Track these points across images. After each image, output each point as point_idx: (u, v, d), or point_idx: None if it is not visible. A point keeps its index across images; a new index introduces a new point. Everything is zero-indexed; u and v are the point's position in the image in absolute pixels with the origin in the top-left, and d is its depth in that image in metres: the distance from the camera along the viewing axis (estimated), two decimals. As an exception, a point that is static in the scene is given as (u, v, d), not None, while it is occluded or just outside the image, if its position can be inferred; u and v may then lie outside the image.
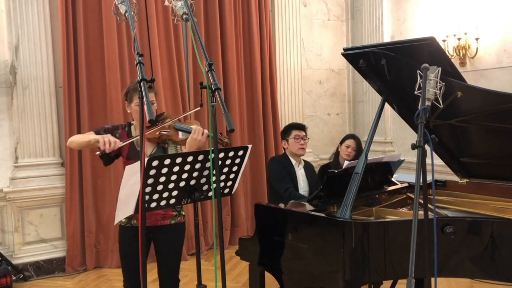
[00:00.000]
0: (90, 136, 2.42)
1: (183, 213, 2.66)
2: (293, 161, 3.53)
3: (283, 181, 3.37)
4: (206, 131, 2.43)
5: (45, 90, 4.30)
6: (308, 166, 3.65)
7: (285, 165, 3.48)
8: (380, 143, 5.54)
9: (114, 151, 2.44)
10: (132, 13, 1.89)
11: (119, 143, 2.34)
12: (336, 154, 3.98)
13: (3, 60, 4.20)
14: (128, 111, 2.59)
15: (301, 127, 3.61)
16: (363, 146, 4.17)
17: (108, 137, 2.32)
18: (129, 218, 2.51)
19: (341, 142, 3.95)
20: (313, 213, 2.41)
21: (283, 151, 3.64)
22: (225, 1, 4.97)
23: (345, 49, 2.54)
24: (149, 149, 2.55)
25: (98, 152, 2.38)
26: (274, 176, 3.45)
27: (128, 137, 2.54)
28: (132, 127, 2.60)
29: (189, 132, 2.45)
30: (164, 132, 2.50)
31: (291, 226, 2.40)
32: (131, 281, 2.55)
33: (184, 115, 2.74)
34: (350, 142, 3.90)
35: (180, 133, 2.50)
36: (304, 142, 3.52)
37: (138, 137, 2.47)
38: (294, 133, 3.52)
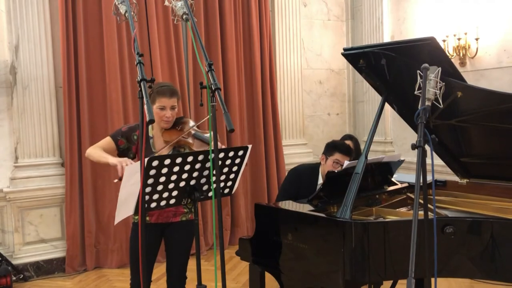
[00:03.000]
0: (108, 158, 2.41)
1: (193, 211, 2.66)
2: (320, 179, 3.24)
3: (283, 196, 3.17)
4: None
5: (45, 90, 4.30)
6: None
7: (303, 179, 3.23)
8: (380, 143, 5.54)
9: (134, 151, 2.53)
10: (132, 13, 1.89)
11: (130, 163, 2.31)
12: None
13: (3, 60, 4.20)
14: None
15: (347, 152, 3.19)
16: (361, 146, 4.17)
17: (126, 161, 2.29)
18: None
19: None
20: (313, 213, 2.41)
21: (319, 162, 3.31)
22: (225, 1, 4.97)
23: (345, 49, 2.54)
24: (164, 151, 2.55)
25: (115, 180, 2.33)
26: (282, 187, 3.34)
27: (146, 139, 2.55)
28: (150, 127, 2.60)
29: (206, 142, 2.46)
30: (183, 138, 2.50)
31: (291, 226, 2.40)
32: (139, 277, 2.57)
33: (202, 121, 2.70)
34: (347, 143, 3.88)
35: (197, 142, 2.51)
36: (340, 168, 3.15)
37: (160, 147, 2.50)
38: (337, 156, 3.13)
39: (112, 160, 2.38)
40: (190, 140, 2.51)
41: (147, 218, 2.57)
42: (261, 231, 2.59)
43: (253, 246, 2.63)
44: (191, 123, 2.61)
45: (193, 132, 2.55)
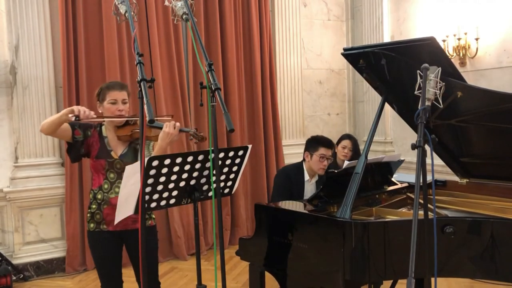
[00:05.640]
0: (61, 112, 2.33)
1: (153, 216, 2.60)
2: (306, 176, 3.33)
3: (280, 196, 3.19)
4: (178, 124, 2.35)
5: (45, 90, 4.30)
6: (322, 180, 3.41)
7: (292, 178, 3.30)
8: (380, 143, 5.54)
9: (85, 148, 2.46)
10: (132, 13, 1.89)
11: (93, 115, 2.30)
12: (334, 154, 3.96)
13: (3, 60, 4.20)
14: (100, 111, 2.52)
15: (330, 145, 3.33)
16: (360, 146, 4.18)
17: (83, 107, 2.28)
18: (98, 223, 2.47)
19: (337, 143, 3.92)
20: (313, 213, 2.41)
21: (302, 160, 3.41)
22: (225, 1, 4.97)
23: (345, 49, 2.54)
24: (119, 148, 2.50)
25: (72, 116, 2.26)
26: (275, 189, 3.36)
27: (100, 137, 2.50)
28: (103, 128, 2.54)
29: (161, 128, 2.37)
30: (136, 130, 2.44)
31: (291, 226, 2.40)
32: (110, 284, 2.54)
33: (159, 118, 2.66)
34: (346, 142, 3.89)
35: (152, 129, 2.42)
36: (327, 163, 3.29)
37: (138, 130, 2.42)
38: (322, 151, 3.25)
39: (66, 109, 2.31)
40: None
41: (103, 226, 2.47)
42: (261, 231, 2.59)
43: (253, 246, 2.62)
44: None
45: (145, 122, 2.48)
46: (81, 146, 2.50)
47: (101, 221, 2.47)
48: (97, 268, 2.57)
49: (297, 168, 3.39)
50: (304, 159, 3.38)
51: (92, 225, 2.50)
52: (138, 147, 2.50)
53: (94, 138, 2.50)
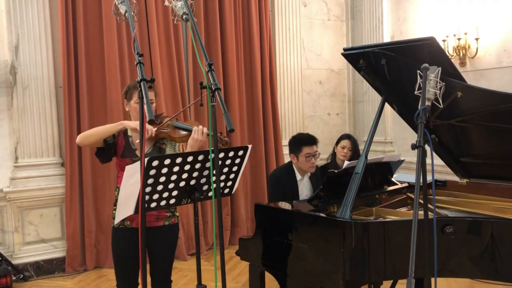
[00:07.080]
0: (115, 126, 2.40)
1: (177, 214, 2.62)
2: (298, 176, 3.30)
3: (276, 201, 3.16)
4: (206, 130, 2.40)
5: (45, 90, 4.31)
6: (316, 175, 3.38)
7: (284, 182, 3.27)
8: (380, 143, 5.54)
9: (115, 148, 2.48)
10: (132, 13, 1.89)
11: (154, 130, 2.41)
12: (333, 154, 3.97)
13: (3, 60, 4.20)
14: (127, 109, 2.55)
15: (312, 142, 3.27)
16: (359, 146, 4.18)
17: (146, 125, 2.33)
18: (122, 220, 2.47)
19: (337, 143, 3.92)
20: (313, 213, 2.41)
21: (290, 161, 3.35)
22: (225, 1, 4.97)
23: (345, 49, 2.54)
24: (145, 148, 2.49)
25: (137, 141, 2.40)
26: (270, 194, 3.35)
27: (125, 137, 2.51)
28: None
29: (188, 130, 2.41)
30: (162, 130, 2.46)
31: (291, 226, 2.40)
32: (125, 283, 2.55)
33: (180, 111, 2.70)
34: (345, 142, 3.89)
35: (178, 131, 2.46)
36: (315, 159, 3.23)
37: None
38: (306, 150, 3.20)
39: (127, 122, 2.40)
40: (169, 130, 2.46)
41: (127, 223, 2.48)
42: (261, 231, 2.59)
43: (253, 246, 2.62)
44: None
45: (171, 123, 2.48)
46: (111, 148, 2.51)
47: (125, 218, 2.46)
48: (115, 265, 2.59)
49: (287, 169, 3.35)
50: (292, 161, 3.35)
51: (116, 222, 2.50)
52: (163, 147, 2.55)
53: (119, 138, 2.52)
